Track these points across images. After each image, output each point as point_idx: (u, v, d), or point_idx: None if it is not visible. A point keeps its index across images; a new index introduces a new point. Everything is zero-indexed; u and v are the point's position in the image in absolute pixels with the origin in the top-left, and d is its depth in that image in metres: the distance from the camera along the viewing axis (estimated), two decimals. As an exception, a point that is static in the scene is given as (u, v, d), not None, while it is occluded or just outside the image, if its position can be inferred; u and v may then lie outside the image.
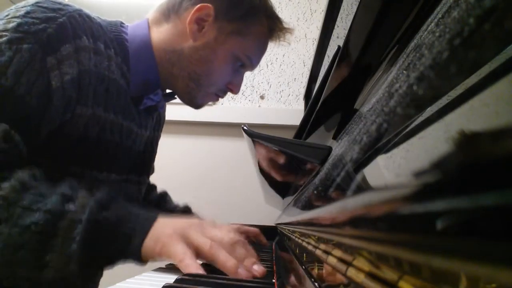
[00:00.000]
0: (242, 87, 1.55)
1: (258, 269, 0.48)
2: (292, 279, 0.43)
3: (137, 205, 0.53)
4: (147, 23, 0.71)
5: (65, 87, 0.54)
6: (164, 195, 0.99)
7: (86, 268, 0.47)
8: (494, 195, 0.07)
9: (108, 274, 0.76)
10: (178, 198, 1.01)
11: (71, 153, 0.59)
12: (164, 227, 0.49)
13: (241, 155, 1.45)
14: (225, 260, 0.46)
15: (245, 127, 0.56)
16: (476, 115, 0.10)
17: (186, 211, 0.95)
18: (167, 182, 1.05)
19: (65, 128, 0.57)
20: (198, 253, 0.47)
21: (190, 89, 0.71)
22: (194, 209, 0.98)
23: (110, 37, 0.64)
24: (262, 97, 1.52)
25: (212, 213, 0.96)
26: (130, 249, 0.48)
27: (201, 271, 0.44)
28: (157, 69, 0.69)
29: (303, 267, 0.37)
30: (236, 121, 1.47)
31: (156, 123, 0.82)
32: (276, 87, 1.52)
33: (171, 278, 0.44)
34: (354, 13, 0.38)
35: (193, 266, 0.44)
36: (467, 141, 0.10)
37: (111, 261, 0.49)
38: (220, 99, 0.78)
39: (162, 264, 0.61)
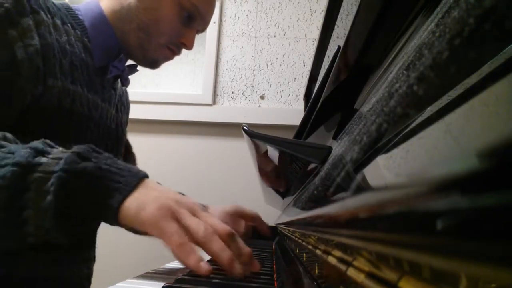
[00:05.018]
0: (242, 87, 1.56)
1: (256, 264, 0.46)
2: (292, 279, 0.43)
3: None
4: None
5: (31, 57, 0.55)
6: None
7: (66, 223, 0.44)
8: (494, 195, 0.07)
9: (107, 274, 0.76)
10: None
11: (48, 126, 0.60)
12: (151, 193, 0.45)
13: (241, 155, 1.45)
14: (220, 250, 0.42)
15: (245, 127, 0.56)
16: (476, 115, 0.10)
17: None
18: (166, 182, 1.05)
19: (41, 101, 0.58)
20: (189, 236, 0.43)
21: (141, 40, 0.72)
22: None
23: (65, 13, 0.67)
24: (262, 97, 1.52)
25: (212, 213, 0.96)
26: (108, 205, 0.44)
27: (205, 265, 0.40)
28: (114, 33, 0.72)
29: (303, 267, 0.37)
30: (236, 121, 1.47)
31: (119, 103, 0.83)
32: (276, 87, 1.52)
33: (171, 279, 0.44)
34: (354, 13, 0.38)
35: (195, 258, 0.40)
36: (467, 141, 0.10)
37: (90, 217, 0.46)
38: (176, 56, 0.77)
39: (161, 265, 0.61)
